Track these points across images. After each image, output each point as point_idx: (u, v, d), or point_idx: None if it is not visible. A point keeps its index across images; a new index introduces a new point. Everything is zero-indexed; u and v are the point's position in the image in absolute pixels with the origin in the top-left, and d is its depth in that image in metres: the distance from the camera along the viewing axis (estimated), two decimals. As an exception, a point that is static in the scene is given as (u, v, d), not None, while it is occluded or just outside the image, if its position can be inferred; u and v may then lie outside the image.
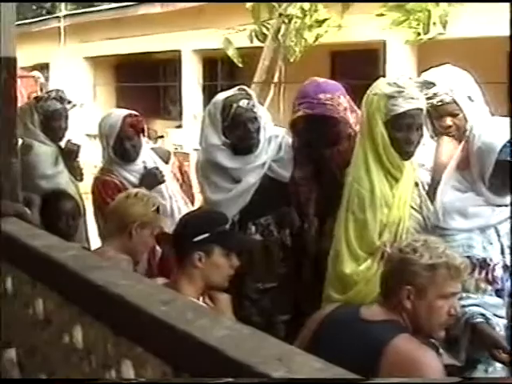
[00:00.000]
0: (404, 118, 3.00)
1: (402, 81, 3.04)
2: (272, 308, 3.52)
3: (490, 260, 2.96)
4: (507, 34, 7.94)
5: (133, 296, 1.78)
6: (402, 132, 3.01)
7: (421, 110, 3.05)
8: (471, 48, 8.50)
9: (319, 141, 3.39)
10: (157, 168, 4.03)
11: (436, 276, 2.41)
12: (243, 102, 3.51)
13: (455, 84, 3.34)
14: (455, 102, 3.31)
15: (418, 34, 8.81)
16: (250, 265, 3.40)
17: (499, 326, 2.91)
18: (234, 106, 3.49)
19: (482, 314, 2.85)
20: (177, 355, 1.59)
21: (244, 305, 3.52)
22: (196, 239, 2.82)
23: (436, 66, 3.48)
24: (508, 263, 3.00)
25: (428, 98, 3.30)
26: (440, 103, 3.30)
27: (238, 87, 3.67)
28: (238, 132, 3.50)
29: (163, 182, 4.00)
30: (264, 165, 3.57)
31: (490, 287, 2.94)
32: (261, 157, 3.56)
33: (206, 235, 2.83)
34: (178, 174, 4.31)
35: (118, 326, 1.82)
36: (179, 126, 14.94)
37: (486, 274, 2.93)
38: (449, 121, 3.31)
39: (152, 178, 3.97)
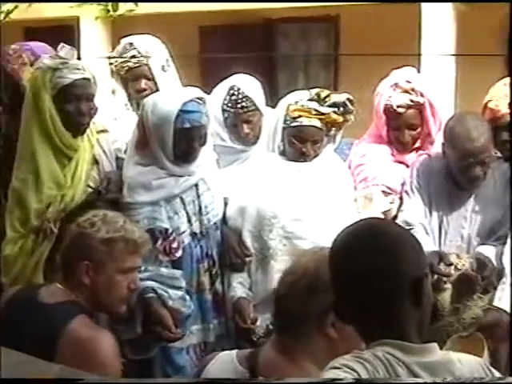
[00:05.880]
0: (72, 89, 2.95)
1: (64, 52, 2.98)
2: None
3: (174, 231, 3.05)
4: (195, 8, 8.27)
5: None
6: (72, 103, 2.97)
7: (88, 79, 3.02)
8: (163, 22, 8.70)
9: None
10: None
11: (113, 250, 2.39)
12: None
13: (152, 51, 3.45)
14: (149, 67, 3.41)
15: (108, 10, 8.86)
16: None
17: (172, 298, 2.95)
18: None
19: (154, 289, 2.89)
20: None
21: None
22: None
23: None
24: (196, 230, 3.10)
25: (125, 61, 3.40)
26: (137, 65, 3.40)
27: None
28: None
29: None
30: None
31: (166, 258, 3.04)
32: None
33: None
34: None
35: None
36: None
37: (165, 245, 3.03)
38: (143, 84, 3.41)
39: None
